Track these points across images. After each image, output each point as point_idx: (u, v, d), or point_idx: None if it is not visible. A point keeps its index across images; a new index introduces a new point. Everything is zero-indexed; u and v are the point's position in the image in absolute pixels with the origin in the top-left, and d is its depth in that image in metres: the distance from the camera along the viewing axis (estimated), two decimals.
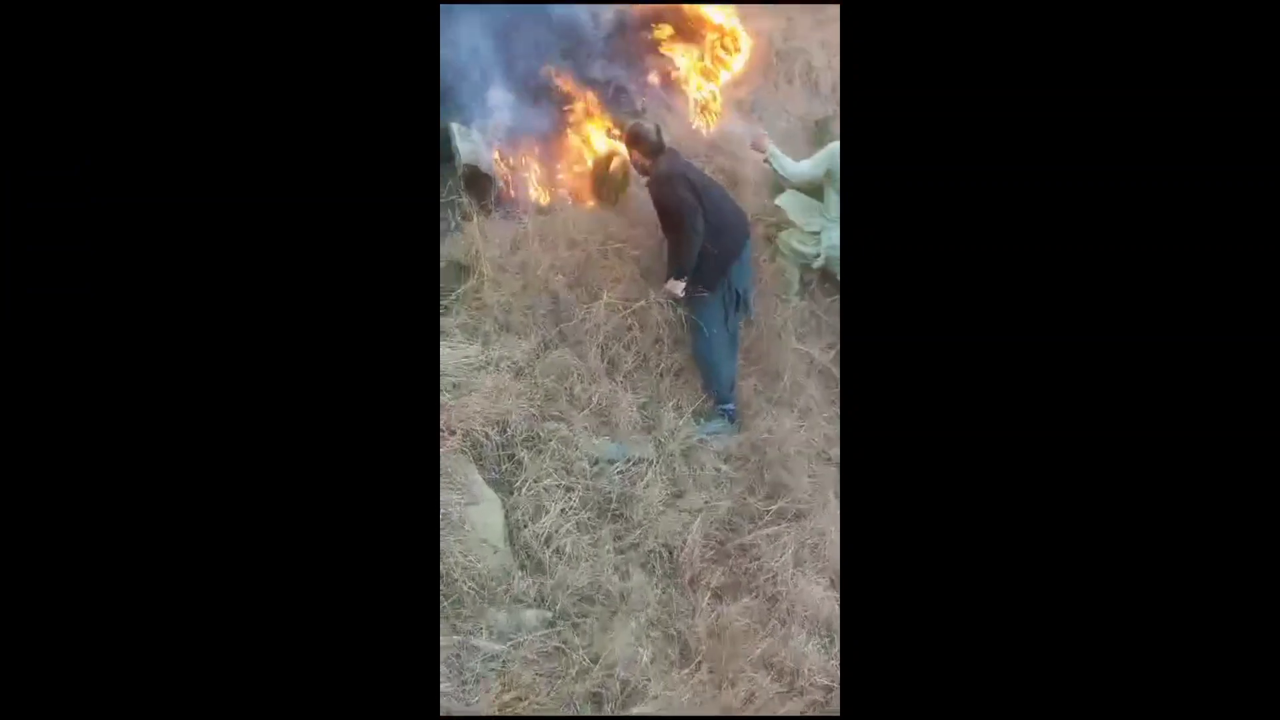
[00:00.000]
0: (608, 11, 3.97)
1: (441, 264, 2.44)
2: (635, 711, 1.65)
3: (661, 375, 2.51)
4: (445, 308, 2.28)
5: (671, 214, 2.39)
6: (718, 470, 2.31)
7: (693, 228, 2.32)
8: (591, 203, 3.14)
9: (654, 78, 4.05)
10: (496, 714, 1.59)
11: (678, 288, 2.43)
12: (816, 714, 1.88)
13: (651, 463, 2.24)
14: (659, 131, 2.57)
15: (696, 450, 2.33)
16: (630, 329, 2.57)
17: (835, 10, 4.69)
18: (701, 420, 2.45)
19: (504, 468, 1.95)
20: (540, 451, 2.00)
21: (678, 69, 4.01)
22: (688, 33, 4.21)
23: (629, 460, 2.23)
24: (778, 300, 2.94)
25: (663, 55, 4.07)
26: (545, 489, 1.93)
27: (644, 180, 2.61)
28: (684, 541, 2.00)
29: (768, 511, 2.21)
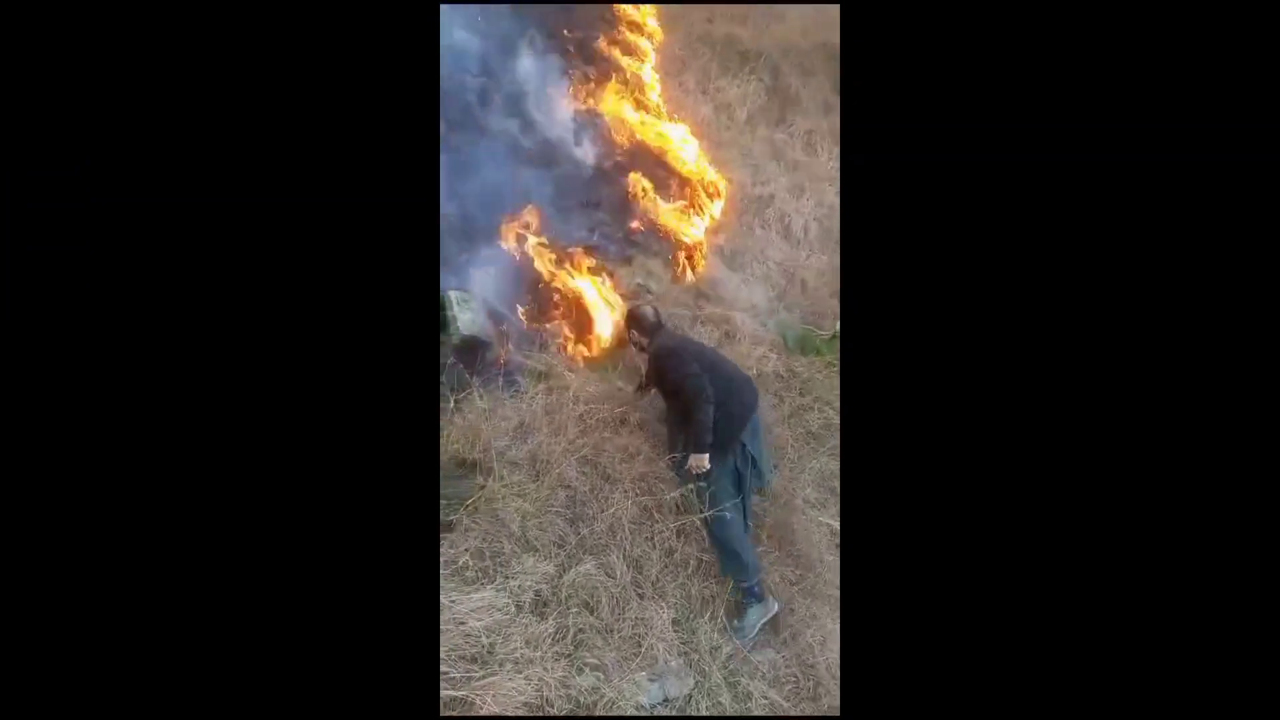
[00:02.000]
0: (588, 160, 4.00)
1: (442, 458, 2.11)
2: None
3: (691, 573, 2.22)
4: (452, 523, 1.93)
5: (678, 386, 2.25)
6: (768, 700, 2.00)
7: (704, 397, 2.18)
8: (591, 358, 2.96)
9: (636, 224, 4.06)
10: (497, 714, 1.53)
11: (702, 461, 2.21)
12: (816, 714, 1.85)
13: (695, 700, 1.90)
14: (657, 313, 2.53)
15: (741, 676, 2.02)
16: (651, 517, 2.30)
17: (799, 157, 5.03)
18: (736, 622, 2.16)
19: None
20: None
21: (658, 217, 4.05)
22: (662, 180, 4.31)
23: (669, 701, 1.88)
24: (792, 467, 2.80)
25: (643, 201, 4.12)
26: None
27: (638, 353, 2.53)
28: None
29: None
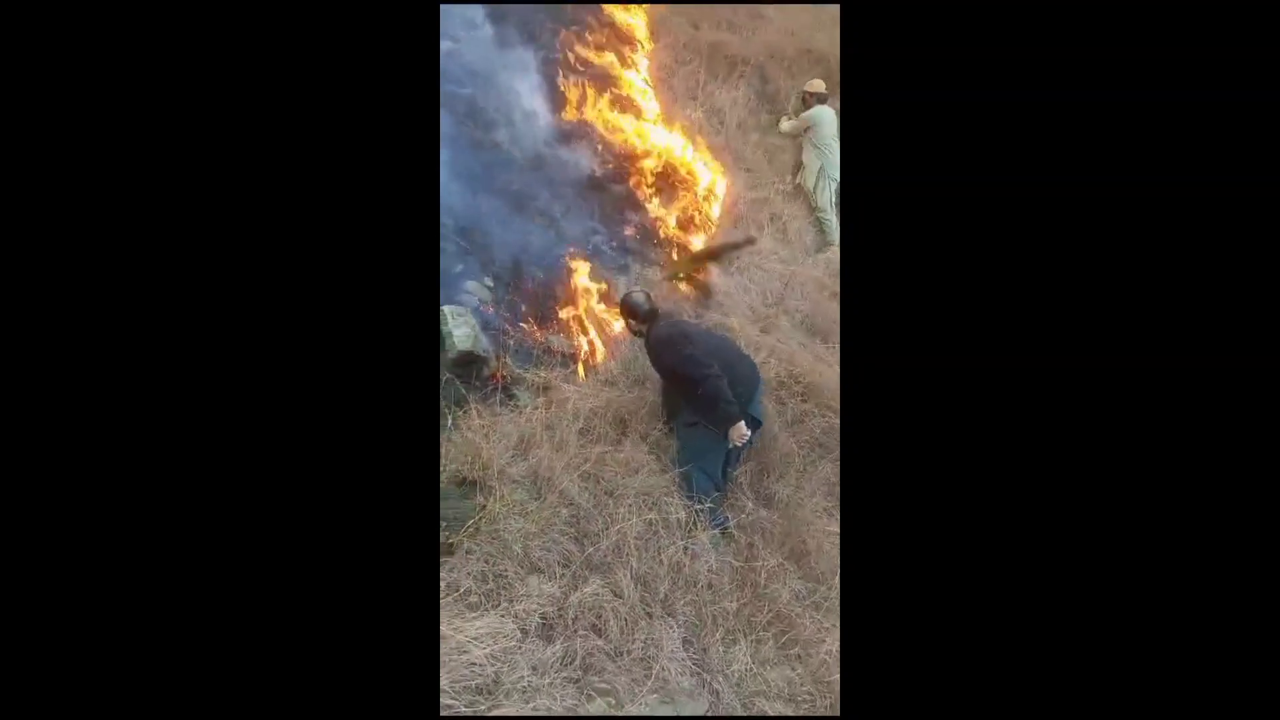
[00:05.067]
0: (581, 169, 3.96)
1: (442, 479, 2.04)
2: None
3: (700, 590, 2.16)
4: (454, 544, 1.86)
5: (681, 374, 2.34)
6: None
7: (710, 374, 2.25)
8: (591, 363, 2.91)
9: (632, 230, 4.02)
10: (497, 714, 1.50)
11: (739, 434, 2.30)
12: (817, 714, 1.87)
13: None
14: (649, 299, 2.60)
15: (757, 697, 1.95)
16: (657, 533, 2.24)
17: (792, 159, 5.01)
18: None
19: None
20: None
21: (655, 222, 4.01)
22: (662, 183, 4.27)
23: None
24: (799, 476, 2.74)
25: (637, 209, 4.07)
26: None
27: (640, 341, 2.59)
28: None
29: None
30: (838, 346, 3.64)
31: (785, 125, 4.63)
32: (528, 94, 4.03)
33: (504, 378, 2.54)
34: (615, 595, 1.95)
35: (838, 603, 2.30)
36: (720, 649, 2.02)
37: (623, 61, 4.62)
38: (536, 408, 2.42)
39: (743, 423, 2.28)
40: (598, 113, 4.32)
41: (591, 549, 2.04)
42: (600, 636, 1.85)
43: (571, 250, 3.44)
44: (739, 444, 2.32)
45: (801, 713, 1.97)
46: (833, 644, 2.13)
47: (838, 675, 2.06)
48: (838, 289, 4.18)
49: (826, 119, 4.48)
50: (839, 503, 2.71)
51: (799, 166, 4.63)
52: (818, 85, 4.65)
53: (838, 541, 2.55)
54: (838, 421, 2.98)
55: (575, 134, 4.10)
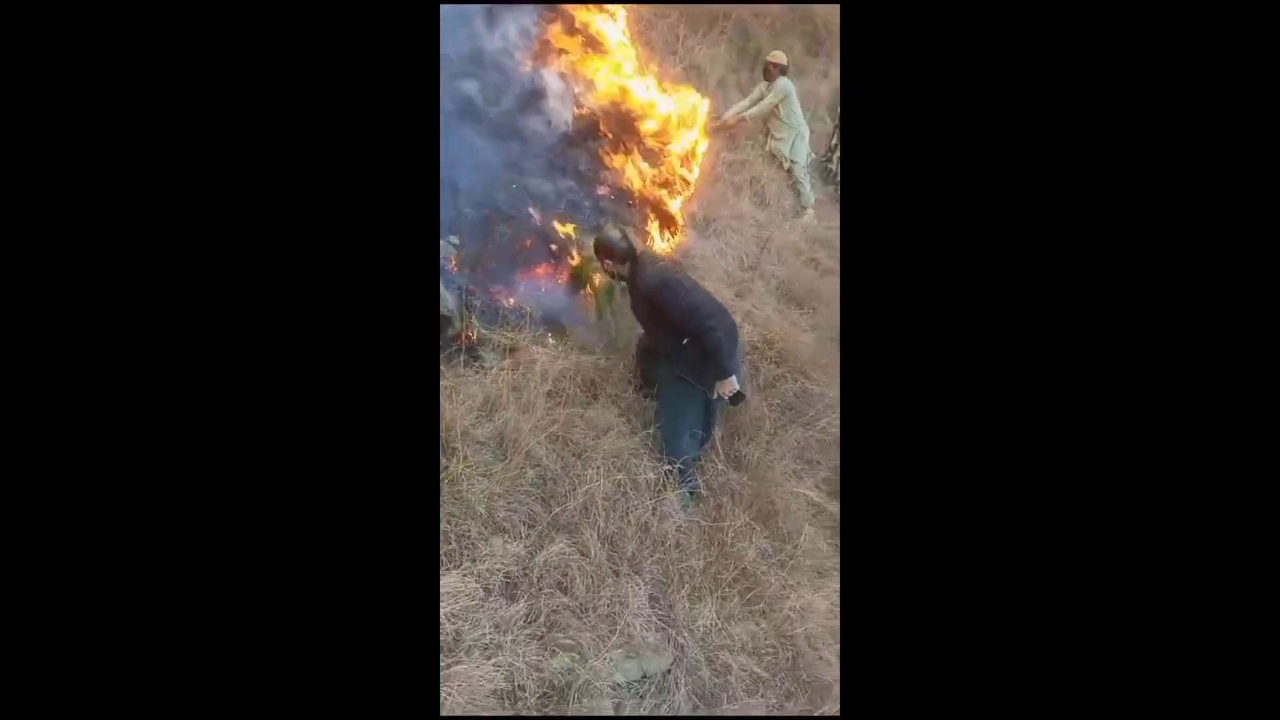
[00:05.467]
0: (555, 124, 3.83)
1: None
2: None
3: (668, 549, 2.17)
4: None
5: (679, 323, 2.22)
6: (748, 672, 1.97)
7: (714, 329, 2.18)
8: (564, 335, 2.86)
9: (605, 190, 3.92)
10: (496, 714, 1.51)
11: (730, 387, 2.26)
12: (817, 714, 1.89)
13: (674, 675, 1.87)
14: (626, 236, 2.40)
15: (722, 651, 1.99)
16: (625, 494, 2.24)
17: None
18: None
19: None
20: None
21: (629, 181, 3.91)
22: (638, 142, 4.15)
23: (648, 678, 1.84)
24: (769, 439, 2.76)
25: (609, 168, 3.96)
26: None
27: (623, 285, 2.48)
28: None
29: None
30: (812, 312, 3.64)
31: (754, 110, 4.49)
32: (498, 44, 3.85)
33: (470, 338, 2.48)
34: (582, 554, 1.96)
35: (803, 560, 2.34)
36: (686, 605, 2.05)
37: (598, 7, 4.43)
38: (503, 369, 2.38)
39: (733, 379, 2.24)
40: (572, 65, 4.16)
41: (558, 509, 2.03)
42: (566, 594, 1.86)
43: (545, 212, 3.34)
44: (725, 397, 2.28)
45: (764, 665, 2.02)
46: (796, 600, 2.17)
47: (800, 630, 2.11)
48: (814, 255, 4.17)
49: (792, 88, 4.49)
50: (810, 466, 2.74)
51: (767, 133, 4.60)
52: (780, 57, 4.59)
53: (804, 503, 2.58)
54: (809, 386, 2.99)
55: (549, 88, 3.94)
